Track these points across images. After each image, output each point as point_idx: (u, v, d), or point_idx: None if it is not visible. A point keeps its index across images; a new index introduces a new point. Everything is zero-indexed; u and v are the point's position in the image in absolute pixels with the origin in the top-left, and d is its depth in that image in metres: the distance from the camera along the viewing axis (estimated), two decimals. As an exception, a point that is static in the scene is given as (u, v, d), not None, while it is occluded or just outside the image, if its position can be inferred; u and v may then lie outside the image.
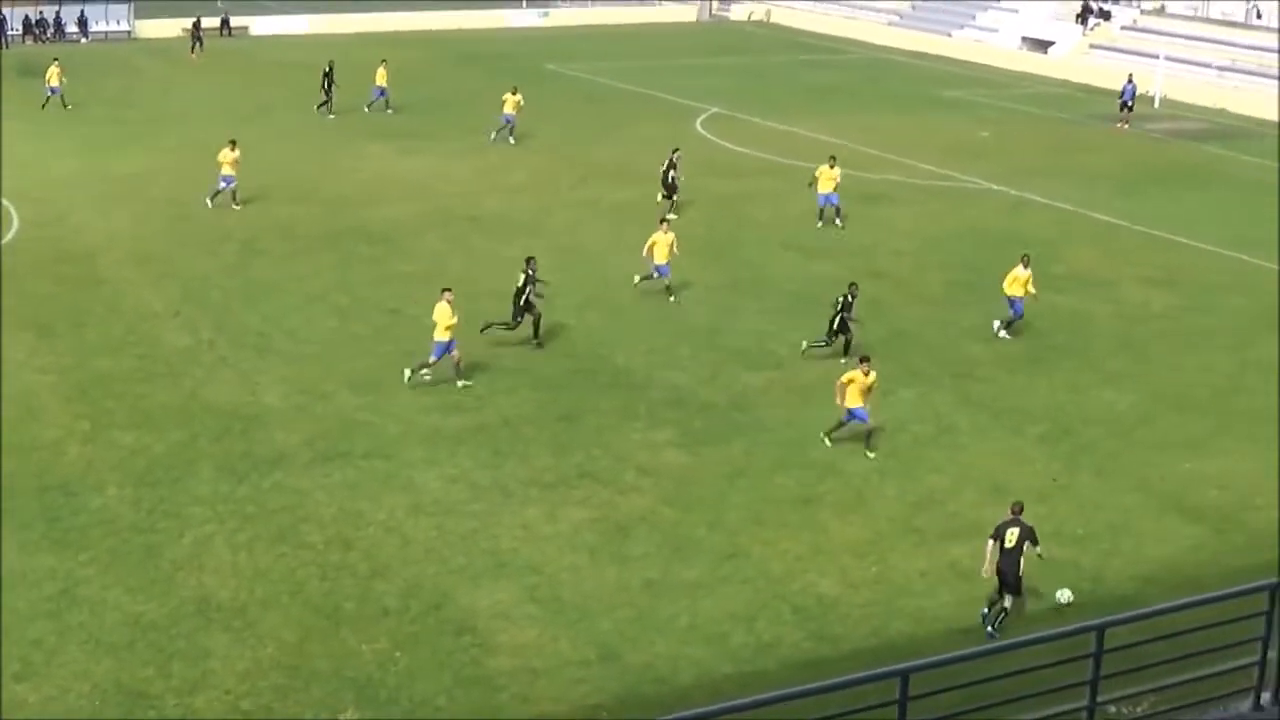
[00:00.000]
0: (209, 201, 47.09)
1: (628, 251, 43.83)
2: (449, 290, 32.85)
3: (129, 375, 33.05)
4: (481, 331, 34.99)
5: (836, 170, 47.39)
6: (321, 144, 58.15)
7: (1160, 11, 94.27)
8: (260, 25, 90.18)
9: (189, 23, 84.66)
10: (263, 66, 78.11)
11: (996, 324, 37.77)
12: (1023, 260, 37.36)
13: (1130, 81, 71.00)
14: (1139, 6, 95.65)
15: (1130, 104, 69.93)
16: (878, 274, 42.25)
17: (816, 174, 47.76)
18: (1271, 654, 14.38)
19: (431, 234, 45.47)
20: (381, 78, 65.37)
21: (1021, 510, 23.79)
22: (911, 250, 45.43)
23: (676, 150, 49.38)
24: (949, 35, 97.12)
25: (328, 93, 64.46)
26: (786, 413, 32.30)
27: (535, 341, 35.65)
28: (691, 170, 53.47)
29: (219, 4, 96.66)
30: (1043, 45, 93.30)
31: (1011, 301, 37.35)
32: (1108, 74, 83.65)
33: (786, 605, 24.22)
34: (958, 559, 25.79)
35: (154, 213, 46.78)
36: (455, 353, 32.68)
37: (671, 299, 39.26)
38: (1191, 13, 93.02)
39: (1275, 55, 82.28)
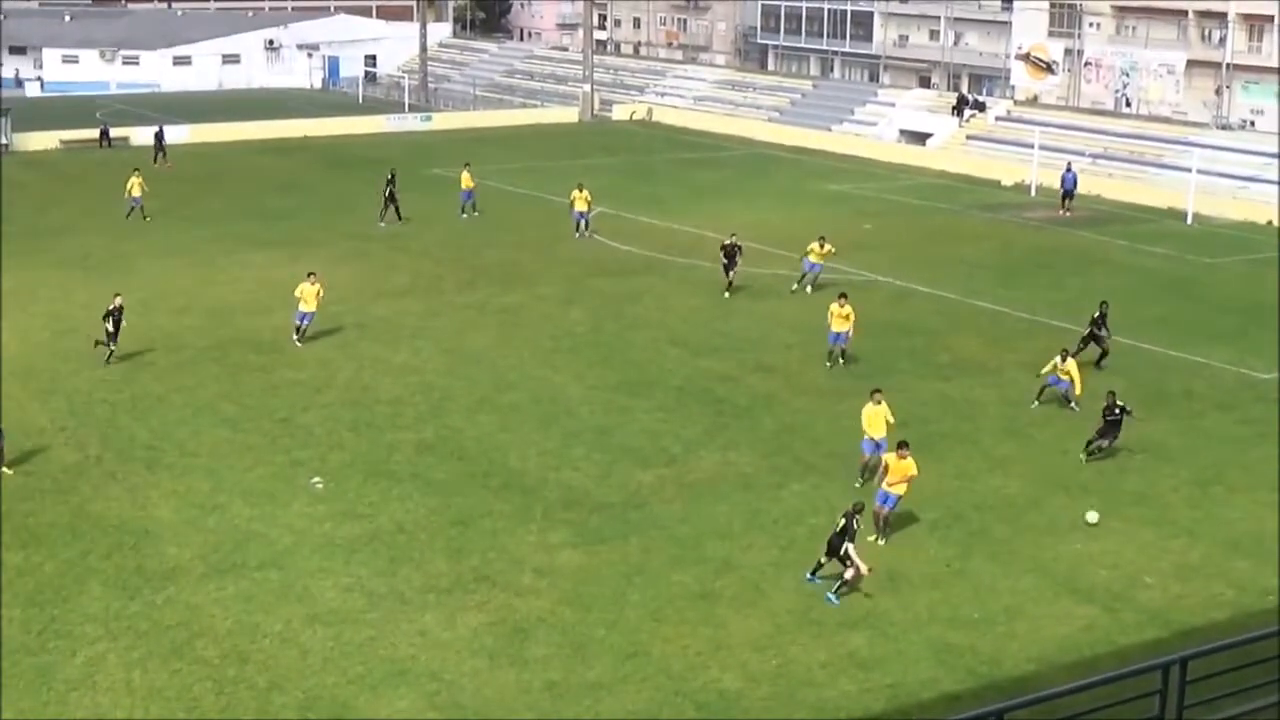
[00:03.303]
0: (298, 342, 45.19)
1: (516, 354, 43.95)
2: (879, 390, 34.35)
3: (15, 493, 32.47)
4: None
5: (827, 247, 52.70)
6: (206, 254, 57.87)
7: (1033, 102, 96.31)
8: (140, 135, 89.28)
9: (67, 135, 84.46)
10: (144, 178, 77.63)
11: None
12: None
13: (1070, 170, 72.65)
14: (1013, 97, 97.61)
15: (1072, 190, 71.94)
16: (766, 368, 42.58)
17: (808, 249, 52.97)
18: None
19: (319, 341, 45.24)
20: (467, 181, 67.08)
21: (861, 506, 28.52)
22: (799, 343, 45.78)
23: (733, 234, 53.80)
24: (829, 130, 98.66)
25: (390, 201, 64.47)
26: (681, 509, 32.36)
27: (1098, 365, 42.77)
28: (577, 270, 53.82)
29: (97, 115, 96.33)
30: (921, 138, 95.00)
31: None
32: (985, 164, 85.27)
33: (689, 702, 24.16)
34: (856, 648, 25.91)
35: (36, 327, 46.29)
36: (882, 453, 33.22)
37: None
38: (1063, 103, 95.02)
39: (1144, 142, 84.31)
